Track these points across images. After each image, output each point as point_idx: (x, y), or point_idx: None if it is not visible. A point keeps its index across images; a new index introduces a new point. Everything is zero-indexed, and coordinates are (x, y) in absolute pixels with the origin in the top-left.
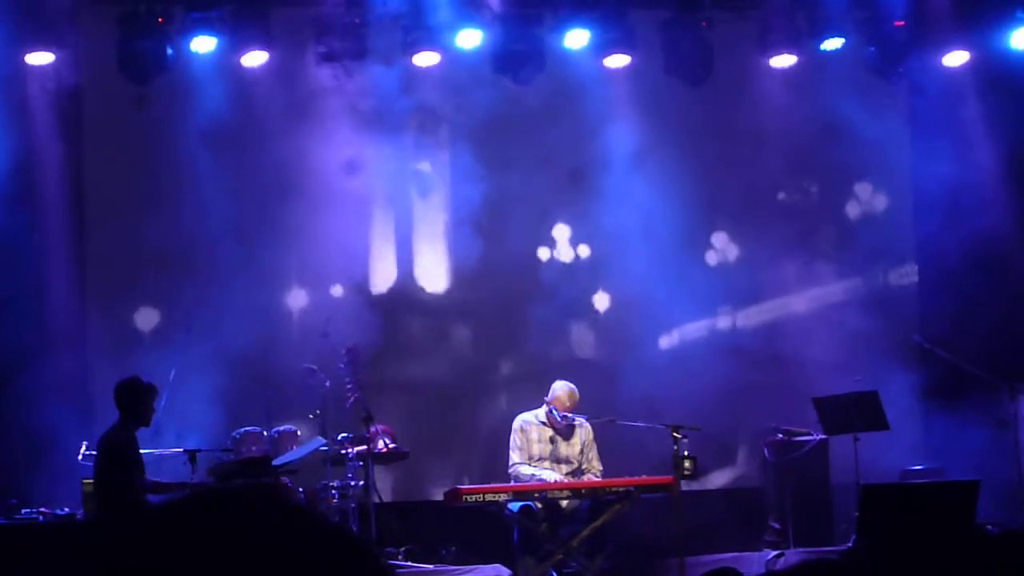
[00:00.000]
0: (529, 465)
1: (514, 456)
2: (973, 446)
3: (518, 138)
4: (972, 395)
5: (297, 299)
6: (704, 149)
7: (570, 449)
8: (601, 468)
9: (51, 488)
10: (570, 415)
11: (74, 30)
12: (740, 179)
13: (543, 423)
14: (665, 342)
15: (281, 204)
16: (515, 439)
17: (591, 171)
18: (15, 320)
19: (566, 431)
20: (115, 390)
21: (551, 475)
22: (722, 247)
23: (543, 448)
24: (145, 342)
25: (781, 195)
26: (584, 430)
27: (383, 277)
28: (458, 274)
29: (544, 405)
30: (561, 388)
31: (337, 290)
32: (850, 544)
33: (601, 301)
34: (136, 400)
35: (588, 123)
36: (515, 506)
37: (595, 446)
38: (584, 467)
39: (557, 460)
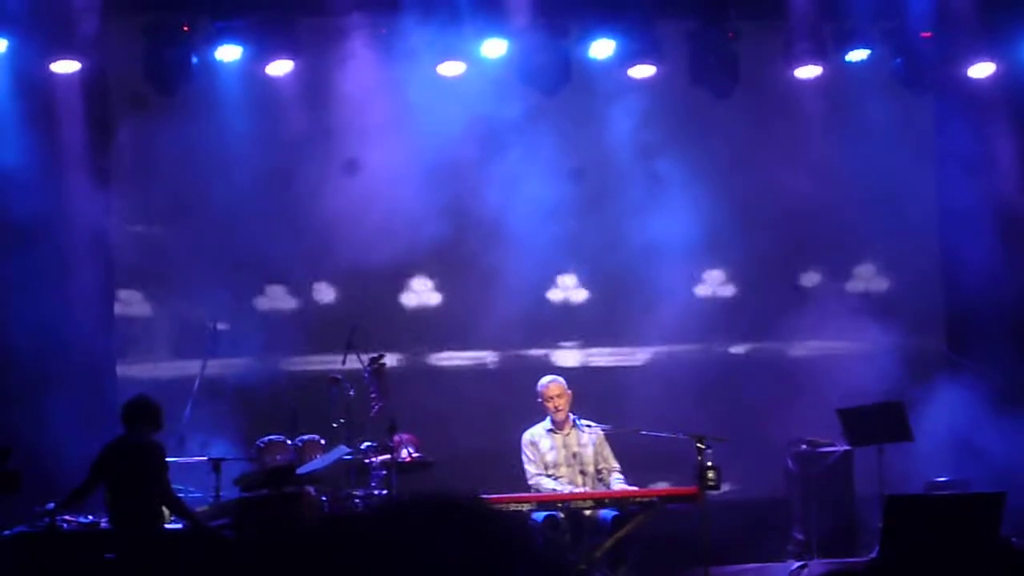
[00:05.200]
0: (547, 477)
1: (531, 469)
2: (998, 458)
3: (542, 147)
4: (997, 406)
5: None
6: (730, 159)
7: (582, 451)
8: (618, 465)
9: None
10: (587, 422)
11: (100, 39)
12: (765, 189)
13: (550, 431)
14: (691, 350)
15: (309, 214)
16: (526, 454)
17: (615, 179)
18: (42, 336)
19: (573, 431)
20: (137, 406)
21: (571, 487)
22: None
23: (556, 455)
24: (170, 352)
25: (805, 205)
26: (594, 430)
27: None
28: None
29: (547, 415)
30: (545, 385)
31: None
32: (874, 555)
33: (623, 309)
34: (159, 414)
35: (613, 133)
36: (539, 516)
37: (607, 445)
38: (601, 467)
39: (572, 464)
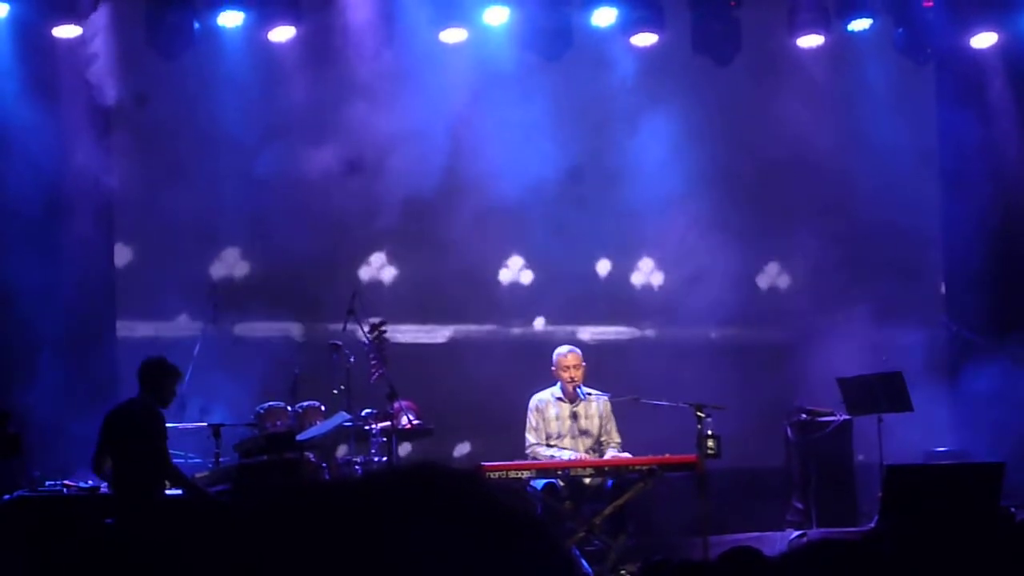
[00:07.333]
0: (545, 446)
1: (530, 437)
2: (998, 428)
3: (544, 114)
4: (997, 377)
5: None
6: (731, 127)
7: (589, 422)
8: (620, 440)
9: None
10: (589, 390)
11: (102, 4)
12: (767, 157)
13: (559, 399)
14: (692, 317)
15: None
16: (531, 420)
17: (618, 148)
18: (39, 299)
19: (582, 402)
20: (144, 367)
21: (568, 455)
22: (746, 221)
23: (562, 425)
24: (171, 321)
25: (807, 172)
26: (601, 402)
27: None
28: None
29: (557, 381)
30: (561, 353)
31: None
32: (873, 524)
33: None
34: (162, 381)
35: (615, 100)
36: (538, 484)
37: (613, 419)
38: (603, 439)
39: (577, 435)
